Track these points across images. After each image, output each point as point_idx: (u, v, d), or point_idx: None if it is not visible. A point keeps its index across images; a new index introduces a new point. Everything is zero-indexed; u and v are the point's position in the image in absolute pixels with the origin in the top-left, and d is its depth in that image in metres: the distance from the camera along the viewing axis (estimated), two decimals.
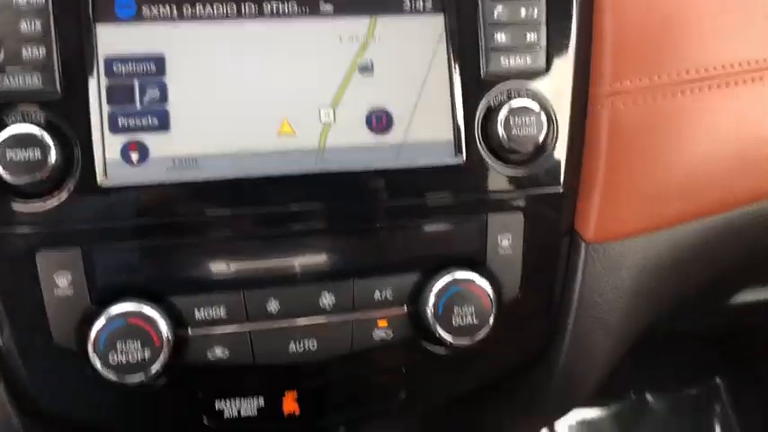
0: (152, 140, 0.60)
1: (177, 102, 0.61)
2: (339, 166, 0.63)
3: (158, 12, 0.61)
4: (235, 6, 0.62)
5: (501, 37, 0.66)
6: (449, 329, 0.65)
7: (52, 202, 0.59)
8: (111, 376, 0.59)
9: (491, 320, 0.65)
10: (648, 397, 1.92)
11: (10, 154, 0.56)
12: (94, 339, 0.59)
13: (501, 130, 0.64)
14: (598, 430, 1.90)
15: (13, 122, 0.57)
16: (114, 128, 0.60)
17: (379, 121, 0.64)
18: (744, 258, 0.86)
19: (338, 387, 0.69)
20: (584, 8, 0.68)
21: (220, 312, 0.62)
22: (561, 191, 0.68)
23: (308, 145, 0.63)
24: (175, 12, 0.61)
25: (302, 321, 0.64)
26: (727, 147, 0.72)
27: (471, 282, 0.65)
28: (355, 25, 0.64)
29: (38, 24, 0.58)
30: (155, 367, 0.60)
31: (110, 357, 0.59)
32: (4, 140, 0.56)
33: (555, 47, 0.67)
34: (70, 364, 0.62)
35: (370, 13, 0.64)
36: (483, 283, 0.65)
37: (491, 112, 0.65)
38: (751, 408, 1.89)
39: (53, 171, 0.57)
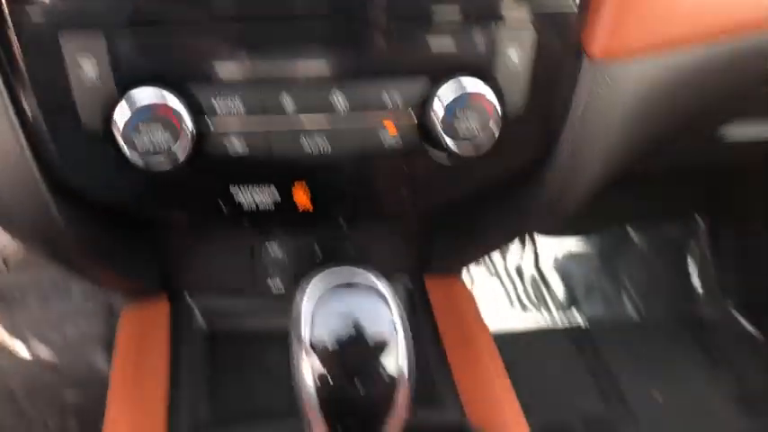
0: None
1: None
2: None
3: None
4: None
5: None
6: (454, 137, 0.68)
7: None
8: (137, 160, 0.64)
9: (496, 131, 0.69)
10: (630, 232, 2.02)
11: None
12: (121, 124, 0.62)
13: None
14: (581, 262, 2.01)
15: None
16: None
17: None
18: (738, 86, 0.89)
19: (346, 184, 0.74)
20: None
21: (238, 104, 0.65)
22: (572, 7, 0.69)
23: None
24: None
25: (314, 117, 0.68)
26: None
27: (477, 89, 0.67)
28: None
29: None
30: (178, 155, 0.64)
31: (136, 142, 0.63)
32: None
33: None
34: (97, 146, 0.65)
35: None
36: (490, 94, 0.68)
37: None
38: (727, 248, 1.99)
39: None
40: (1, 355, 1.64)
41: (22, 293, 1.71)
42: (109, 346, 1.49)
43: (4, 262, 1.73)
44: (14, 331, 1.67)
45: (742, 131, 1.15)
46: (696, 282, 2.00)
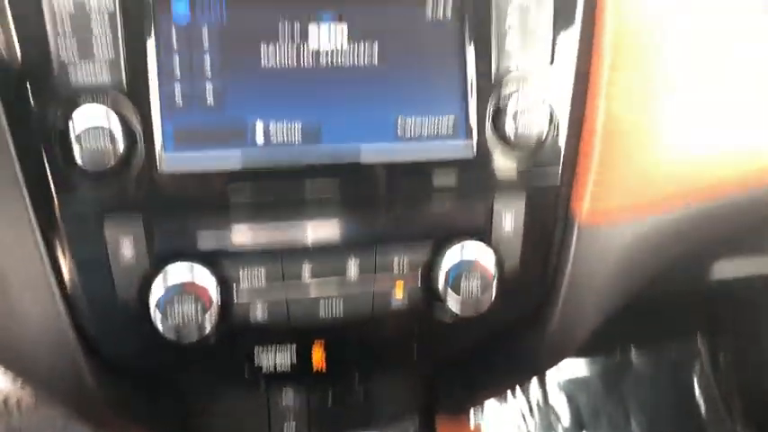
0: (206, 128, 0.69)
1: (227, 96, 0.69)
2: (366, 150, 0.72)
3: (210, 12, 0.69)
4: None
5: (511, 39, 0.74)
6: (457, 297, 0.75)
7: (118, 180, 0.68)
8: (169, 333, 0.70)
9: (494, 290, 0.76)
10: (633, 355, 2.04)
11: (84, 142, 0.65)
12: (155, 299, 0.69)
13: (509, 123, 0.73)
14: (585, 386, 2.02)
15: (85, 112, 0.66)
16: (171, 116, 0.68)
17: (403, 123, 0.73)
18: (727, 235, 0.96)
19: (357, 343, 0.80)
20: (587, 16, 0.76)
21: (261, 276, 0.72)
22: (559, 176, 0.77)
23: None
24: (226, 13, 0.69)
25: (330, 284, 0.74)
26: (714, 140, 0.81)
27: (478, 254, 0.75)
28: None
29: (108, 26, 0.66)
30: (207, 328, 0.70)
31: (168, 316, 0.69)
32: (78, 129, 0.65)
33: (559, 52, 0.75)
34: (131, 318, 0.72)
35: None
36: (488, 256, 0.75)
37: (500, 107, 0.74)
38: (728, 366, 2.00)
39: (120, 155, 0.66)
40: None
41: None
42: None
43: (17, 404, 1.75)
44: None
45: (732, 269, 1.21)
46: (700, 401, 2.01)
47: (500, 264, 0.76)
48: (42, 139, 0.66)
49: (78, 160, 0.65)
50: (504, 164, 0.75)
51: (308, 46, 0.70)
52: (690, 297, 1.82)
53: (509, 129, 0.73)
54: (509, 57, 0.74)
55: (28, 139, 0.67)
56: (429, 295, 0.77)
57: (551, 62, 0.75)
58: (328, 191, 0.73)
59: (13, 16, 0.65)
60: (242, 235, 0.72)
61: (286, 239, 0.73)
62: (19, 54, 0.65)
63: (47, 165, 0.67)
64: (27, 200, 0.68)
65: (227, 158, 0.70)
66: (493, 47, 0.73)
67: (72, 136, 0.65)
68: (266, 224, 0.72)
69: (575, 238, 0.79)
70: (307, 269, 0.74)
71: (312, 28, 0.70)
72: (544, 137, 0.75)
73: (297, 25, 0.70)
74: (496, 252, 0.76)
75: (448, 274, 0.74)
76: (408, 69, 0.72)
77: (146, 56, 0.67)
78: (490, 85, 0.74)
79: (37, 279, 0.70)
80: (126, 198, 0.69)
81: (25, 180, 0.67)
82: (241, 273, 0.72)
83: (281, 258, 0.73)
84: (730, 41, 0.86)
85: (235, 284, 0.72)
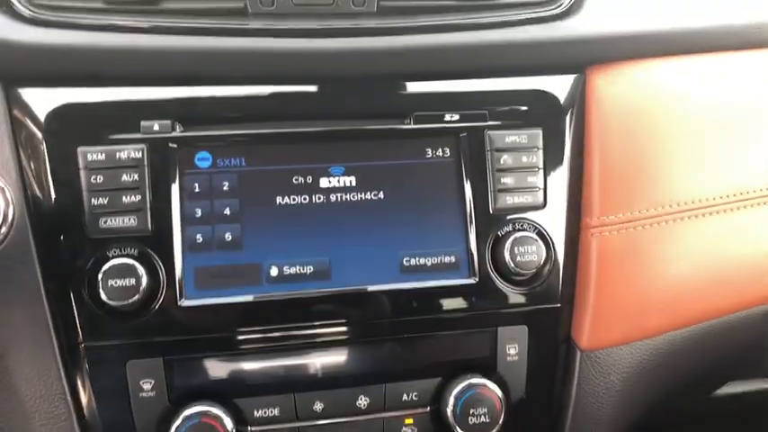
0: (224, 269, 0.74)
1: (245, 239, 0.75)
2: (372, 289, 0.77)
3: (230, 164, 0.75)
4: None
5: (506, 179, 0.80)
6: (465, 428, 0.77)
7: (141, 320, 0.72)
8: None
9: (501, 419, 0.78)
10: None
11: (110, 282, 0.69)
12: None
13: (507, 256, 0.78)
14: None
15: (113, 256, 0.71)
16: (192, 258, 0.73)
17: (408, 260, 0.78)
18: (724, 357, 0.98)
19: None
20: (574, 155, 0.82)
21: (275, 412, 0.75)
22: (559, 306, 0.81)
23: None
24: (244, 162, 0.75)
25: (342, 420, 0.77)
26: (701, 268, 0.85)
27: (484, 386, 0.77)
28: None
29: (135, 176, 0.72)
30: None
31: None
32: (106, 270, 0.69)
33: (551, 187, 0.81)
34: None
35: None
36: (494, 387, 0.78)
37: (498, 241, 0.79)
38: None
39: (143, 294, 0.70)
40: None
41: None
42: None
43: None
44: None
45: (739, 388, 1.22)
46: None
47: (506, 396, 0.79)
48: (71, 283, 0.71)
49: (104, 298, 0.69)
50: (504, 296, 0.80)
51: (319, 191, 0.77)
52: (701, 413, 1.80)
53: (508, 262, 0.78)
54: (504, 193, 0.80)
55: (58, 281, 0.72)
56: (438, 428, 0.79)
57: (544, 197, 0.81)
58: (338, 327, 0.77)
59: (50, 166, 0.71)
60: (256, 372, 0.76)
61: (298, 376, 0.76)
62: (53, 201, 0.71)
63: (74, 307, 0.71)
64: (54, 339, 0.72)
65: (243, 297, 0.74)
66: (489, 184, 0.79)
67: (99, 278, 0.69)
68: (279, 361, 0.76)
69: (578, 363, 0.82)
70: (318, 406, 0.76)
71: (323, 180, 0.77)
72: (542, 269, 0.79)
73: (309, 178, 0.76)
74: (502, 385, 0.79)
75: (455, 408, 0.77)
76: (411, 209, 0.78)
77: (170, 202, 0.73)
78: (488, 221, 0.79)
79: (58, 413, 0.73)
80: (148, 337, 0.72)
81: (53, 321, 0.71)
82: (256, 413, 0.75)
83: (294, 398, 0.76)
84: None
85: (251, 425, 0.75)
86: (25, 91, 0.72)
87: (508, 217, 0.80)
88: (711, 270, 0.86)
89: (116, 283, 0.70)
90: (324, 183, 0.77)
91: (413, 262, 0.77)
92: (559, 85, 0.83)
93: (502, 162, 0.80)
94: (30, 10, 0.71)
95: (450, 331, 0.79)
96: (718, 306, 0.88)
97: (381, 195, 0.78)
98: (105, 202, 0.72)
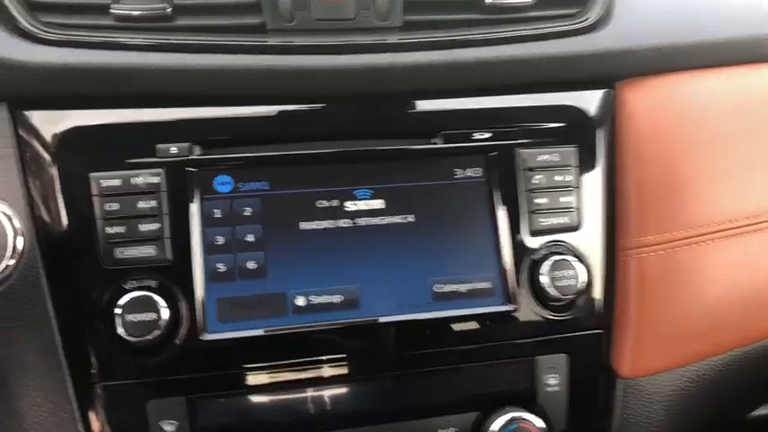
0: (247, 299, 0.69)
1: (269, 266, 0.70)
2: (404, 319, 0.72)
3: (252, 186, 0.71)
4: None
5: (540, 200, 0.76)
6: None
7: (161, 356, 0.67)
8: None
9: None
10: None
11: (129, 316, 0.64)
12: None
13: (546, 281, 0.74)
14: None
15: (131, 288, 0.66)
16: (215, 289, 0.68)
17: (440, 287, 0.73)
18: (764, 379, 0.95)
19: None
20: (607, 173, 0.79)
21: None
22: (600, 333, 0.77)
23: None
24: (267, 186, 0.71)
25: None
26: (741, 290, 0.82)
27: (525, 419, 0.73)
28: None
29: (153, 203, 0.67)
30: None
31: None
32: (123, 304, 0.65)
33: (586, 207, 0.77)
34: None
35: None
36: (535, 420, 0.73)
37: (535, 265, 0.75)
38: None
39: (164, 329, 0.65)
40: None
41: None
42: None
43: None
44: None
45: None
46: None
47: (548, 423, 0.74)
48: (86, 319, 0.66)
49: (122, 334, 0.64)
50: (543, 323, 0.75)
51: (345, 215, 0.72)
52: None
53: (547, 287, 0.74)
54: (538, 214, 0.76)
55: (71, 317, 0.67)
56: None
57: (579, 218, 0.77)
58: (368, 360, 0.72)
59: (62, 194, 0.67)
60: (284, 410, 0.71)
61: (328, 413, 0.72)
62: (65, 231, 0.67)
63: (90, 344, 0.66)
64: (68, 380, 0.67)
65: (268, 329, 0.69)
66: (521, 205, 0.75)
67: (116, 313, 0.65)
68: (307, 397, 0.71)
69: (619, 391, 0.78)
70: None
71: (349, 203, 0.72)
72: (582, 293, 0.75)
73: (335, 201, 0.72)
74: (543, 417, 0.74)
75: None
76: (441, 233, 0.74)
77: (190, 230, 0.68)
78: (523, 244, 0.75)
79: None
80: (169, 375, 0.67)
81: (67, 360, 0.66)
82: None
83: None
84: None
85: None
86: (33, 114, 0.67)
87: (544, 239, 0.76)
88: (752, 291, 0.83)
89: (135, 317, 0.65)
90: (350, 206, 0.73)
91: (445, 288, 0.73)
92: (590, 101, 0.79)
93: (535, 181, 0.76)
94: (37, 28, 0.67)
95: (486, 361, 0.74)
96: (759, 328, 0.84)
97: (410, 218, 0.74)
98: (122, 230, 0.67)
